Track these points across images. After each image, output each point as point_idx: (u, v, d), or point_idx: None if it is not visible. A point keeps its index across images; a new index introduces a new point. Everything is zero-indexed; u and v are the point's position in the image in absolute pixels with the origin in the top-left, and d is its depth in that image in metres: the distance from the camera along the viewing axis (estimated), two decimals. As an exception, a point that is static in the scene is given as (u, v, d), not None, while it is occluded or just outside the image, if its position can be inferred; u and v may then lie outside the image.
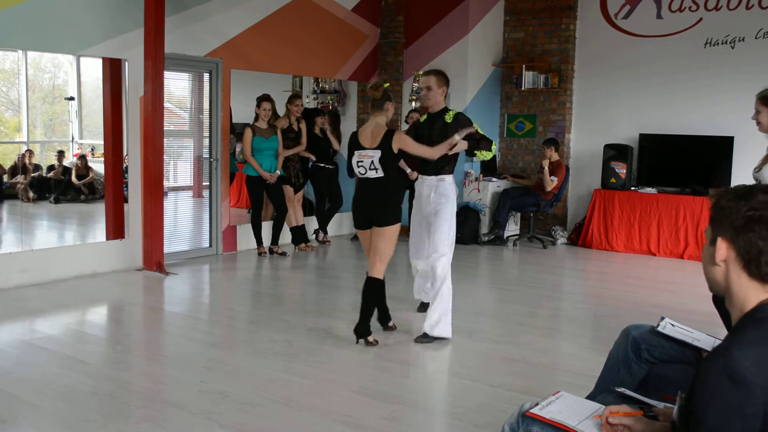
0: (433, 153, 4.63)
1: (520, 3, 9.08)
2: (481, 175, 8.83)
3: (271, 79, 8.40)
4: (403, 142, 4.49)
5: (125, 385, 3.89)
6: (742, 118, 7.18)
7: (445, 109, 4.90)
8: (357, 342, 4.60)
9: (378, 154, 4.43)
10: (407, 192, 8.59)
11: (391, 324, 4.94)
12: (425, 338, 4.68)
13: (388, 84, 4.64)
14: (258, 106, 7.34)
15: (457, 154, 4.85)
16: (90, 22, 6.29)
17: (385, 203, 4.51)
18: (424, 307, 5.39)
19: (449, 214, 4.79)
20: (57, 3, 6.05)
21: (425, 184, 4.94)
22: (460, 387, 3.99)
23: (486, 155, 4.83)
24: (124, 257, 6.72)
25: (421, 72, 8.96)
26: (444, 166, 4.85)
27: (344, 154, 9.23)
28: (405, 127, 8.76)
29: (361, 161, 4.48)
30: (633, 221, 8.21)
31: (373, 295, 4.59)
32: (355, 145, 4.55)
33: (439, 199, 4.83)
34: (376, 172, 4.47)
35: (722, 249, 1.66)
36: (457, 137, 4.60)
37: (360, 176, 4.56)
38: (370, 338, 4.58)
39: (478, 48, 8.98)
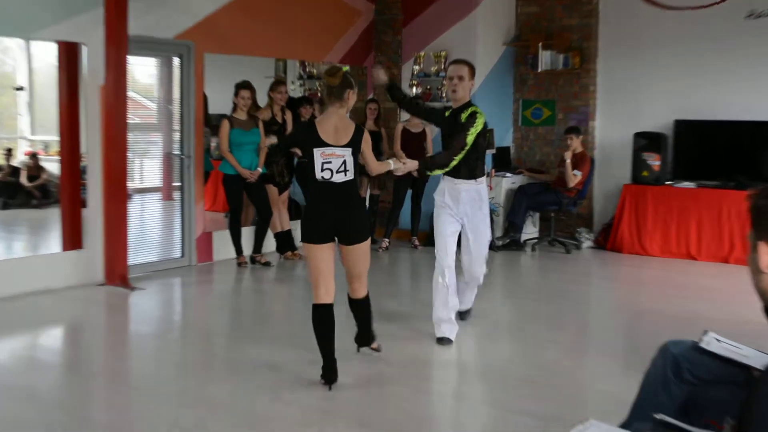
0: (376, 169, 4.54)
1: (536, -28, 9.09)
2: (494, 170, 8.81)
3: (251, 63, 8.39)
4: (367, 142, 4.29)
5: (85, 418, 3.86)
6: (792, 101, 7.19)
7: (468, 104, 5.12)
8: (358, 351, 4.69)
9: (349, 152, 4.17)
10: (410, 191, 8.59)
11: (375, 345, 4.80)
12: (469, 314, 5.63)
13: (347, 68, 4.42)
14: (236, 94, 7.33)
15: (482, 153, 5.19)
16: (42, 2, 6.27)
17: (360, 214, 4.32)
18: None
19: (488, 216, 5.35)
20: (2, -21, 6.03)
21: (463, 189, 5.14)
22: (474, 414, 3.98)
23: (437, 172, 5.14)
24: (83, 270, 6.70)
25: (441, 54, 8.96)
26: (477, 167, 5.16)
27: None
28: (405, 117, 8.74)
29: (329, 161, 4.15)
30: (669, 221, 8.19)
31: (364, 314, 4.63)
32: (315, 141, 4.16)
33: (481, 203, 5.21)
34: (345, 175, 4.17)
35: (765, 255, 1.64)
36: (393, 165, 4.67)
37: (322, 180, 4.19)
38: (374, 344, 4.73)
39: (487, 25, 8.97)
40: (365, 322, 4.64)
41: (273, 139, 7.14)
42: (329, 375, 4.24)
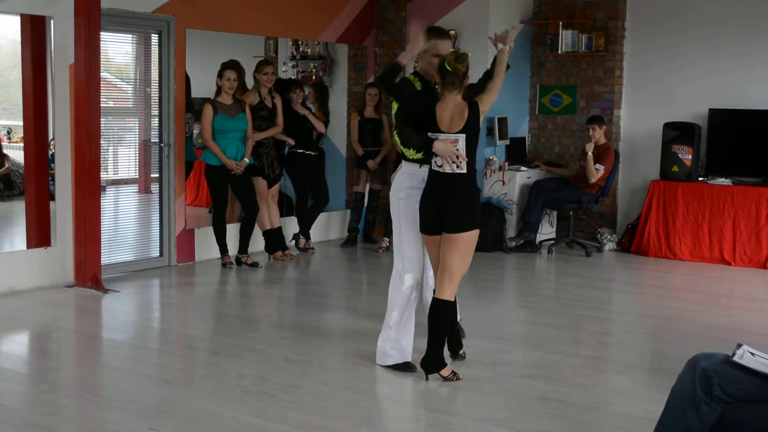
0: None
1: (556, -57, 9.10)
2: (507, 163, 8.84)
3: (238, 41, 8.40)
4: (482, 99, 4.57)
5: (53, 434, 3.88)
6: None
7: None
8: (427, 379, 4.56)
9: (463, 138, 4.46)
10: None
11: (461, 352, 4.96)
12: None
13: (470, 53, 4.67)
14: (220, 75, 7.33)
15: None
16: (5, -30, 6.28)
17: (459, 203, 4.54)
18: None
19: None
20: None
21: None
22: (482, 434, 4.00)
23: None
24: (51, 270, 6.72)
25: (450, 33, 8.93)
26: None
27: (332, 137, 9.30)
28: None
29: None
30: (701, 221, 8.21)
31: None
32: (431, 125, 4.53)
33: None
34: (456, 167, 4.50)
35: None
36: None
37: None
38: (445, 372, 4.55)
39: (502, 0, 8.98)
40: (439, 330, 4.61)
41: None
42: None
